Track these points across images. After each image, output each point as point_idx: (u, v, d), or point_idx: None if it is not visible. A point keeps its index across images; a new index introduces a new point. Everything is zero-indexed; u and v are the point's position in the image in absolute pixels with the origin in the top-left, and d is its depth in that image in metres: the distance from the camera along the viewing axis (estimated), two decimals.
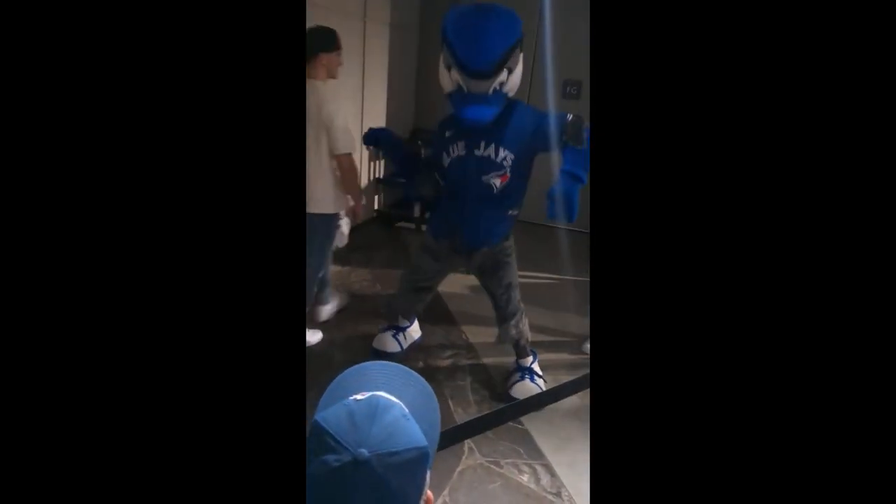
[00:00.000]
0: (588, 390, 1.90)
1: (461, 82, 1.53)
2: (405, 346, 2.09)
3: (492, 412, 1.20)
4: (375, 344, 2.05)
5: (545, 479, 1.52)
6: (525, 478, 1.52)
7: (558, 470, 1.56)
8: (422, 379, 0.57)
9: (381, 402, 0.49)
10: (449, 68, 1.56)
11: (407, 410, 0.52)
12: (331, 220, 1.93)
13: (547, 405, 1.80)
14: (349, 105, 3.03)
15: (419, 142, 3.50)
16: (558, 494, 1.47)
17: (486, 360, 2.10)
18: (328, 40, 1.78)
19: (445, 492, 1.44)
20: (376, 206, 3.67)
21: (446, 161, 1.70)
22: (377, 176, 3.60)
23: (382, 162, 3.60)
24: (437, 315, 2.42)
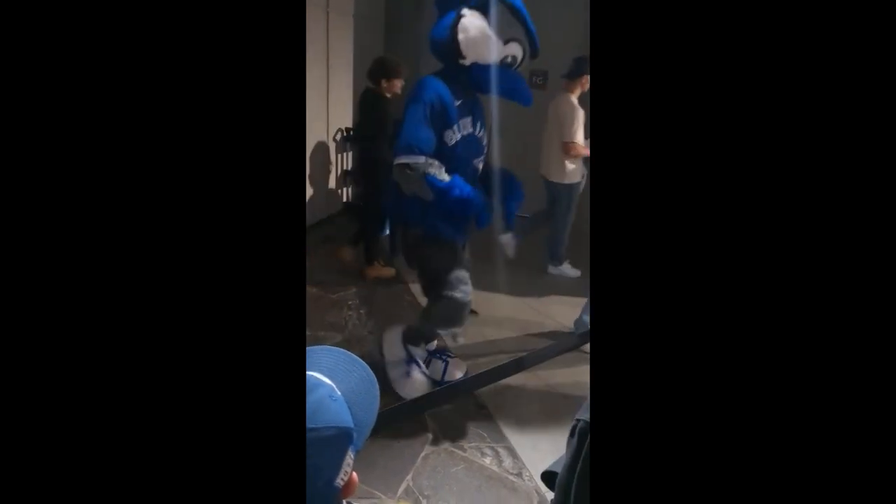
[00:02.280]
0: (539, 369, 1.95)
1: (517, 57, 1.47)
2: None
3: (433, 392, 1.24)
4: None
5: (507, 461, 1.56)
6: (488, 460, 1.56)
7: (520, 452, 1.60)
8: (367, 368, 0.59)
9: (310, 381, 0.51)
10: (507, 41, 1.44)
11: (339, 393, 0.54)
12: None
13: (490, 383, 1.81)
14: (313, 98, 3.01)
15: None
16: (519, 475, 1.52)
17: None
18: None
19: (409, 476, 1.47)
20: (344, 199, 3.66)
21: (452, 139, 1.48)
22: (345, 168, 3.59)
23: (349, 154, 3.59)
24: (406, 305, 2.45)
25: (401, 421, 1.59)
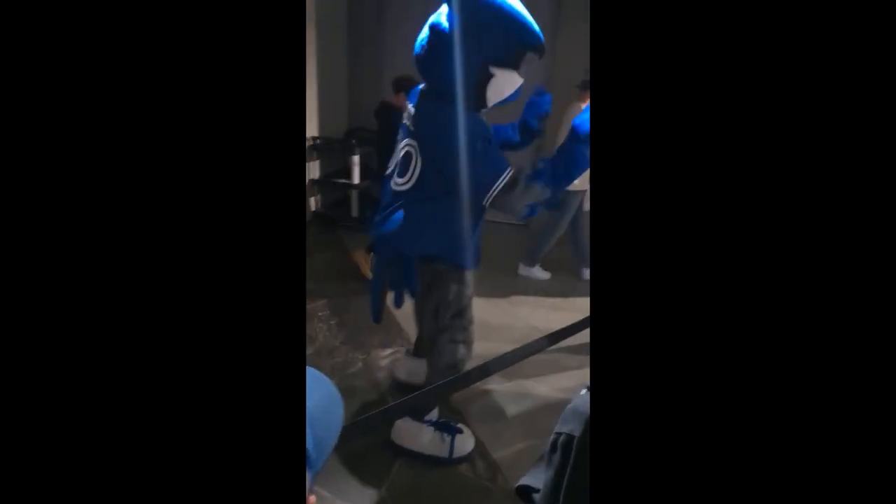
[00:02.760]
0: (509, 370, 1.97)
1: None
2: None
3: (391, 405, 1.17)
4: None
5: (481, 466, 1.57)
6: (462, 466, 1.57)
7: (494, 455, 1.61)
8: (330, 384, 0.58)
9: None
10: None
11: None
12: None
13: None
14: None
15: (353, 141, 3.49)
16: (493, 479, 1.53)
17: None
18: None
19: (383, 488, 1.46)
20: (313, 208, 3.62)
21: None
22: (312, 177, 3.55)
23: (318, 162, 3.56)
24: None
25: (375, 432, 1.58)
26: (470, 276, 1.51)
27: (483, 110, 1.38)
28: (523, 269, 2.97)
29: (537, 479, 0.90)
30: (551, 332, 1.45)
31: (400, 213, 1.40)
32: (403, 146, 1.41)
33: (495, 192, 1.31)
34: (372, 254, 1.58)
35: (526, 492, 0.89)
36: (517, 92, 1.38)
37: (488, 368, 1.16)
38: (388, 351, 2.15)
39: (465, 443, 1.60)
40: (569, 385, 1.97)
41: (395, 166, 1.45)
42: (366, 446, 1.58)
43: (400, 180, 1.41)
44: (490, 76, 1.31)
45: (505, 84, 1.33)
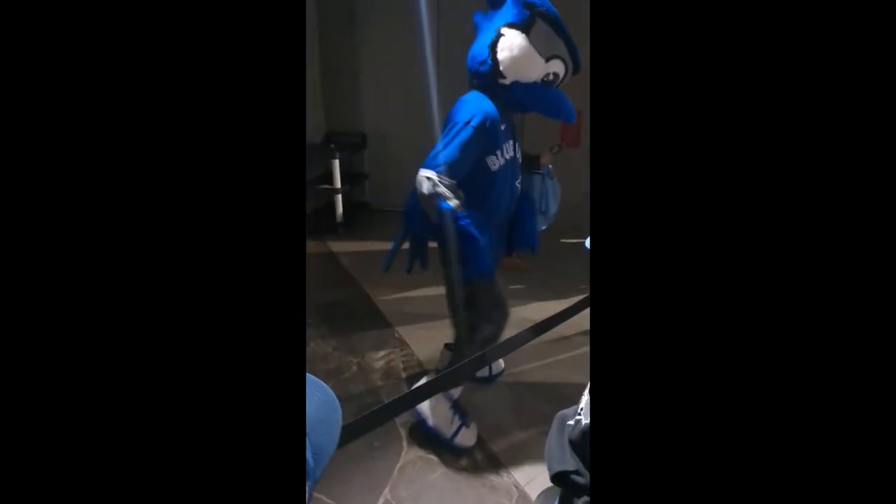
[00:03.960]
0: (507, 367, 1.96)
1: (559, 74, 1.46)
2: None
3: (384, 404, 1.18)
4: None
5: (484, 460, 1.57)
6: (464, 462, 1.56)
7: (495, 448, 1.61)
8: (327, 390, 0.57)
9: None
10: (549, 58, 1.42)
11: None
12: None
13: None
14: None
15: (332, 146, 3.46)
16: (497, 472, 1.52)
17: (422, 358, 2.11)
18: None
19: (386, 490, 1.45)
20: None
21: (495, 165, 1.46)
22: None
23: None
24: (370, 316, 2.42)
25: (372, 434, 1.57)
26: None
27: (502, 81, 1.42)
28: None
29: (566, 463, 0.89)
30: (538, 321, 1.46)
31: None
32: None
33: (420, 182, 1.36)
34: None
35: (564, 477, 0.89)
36: (569, 113, 1.49)
37: (484, 360, 1.16)
38: (382, 353, 2.13)
39: (467, 437, 1.62)
40: (561, 372, 1.97)
41: None
42: (366, 449, 1.57)
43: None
44: (500, 36, 1.38)
45: (514, 43, 1.38)
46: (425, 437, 1.63)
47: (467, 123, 1.35)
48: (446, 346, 1.90)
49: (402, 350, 2.16)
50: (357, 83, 3.74)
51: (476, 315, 1.55)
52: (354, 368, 2.04)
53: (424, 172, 1.36)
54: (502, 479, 1.50)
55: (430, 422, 1.60)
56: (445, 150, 1.36)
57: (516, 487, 1.47)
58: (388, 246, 1.60)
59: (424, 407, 1.61)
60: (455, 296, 1.56)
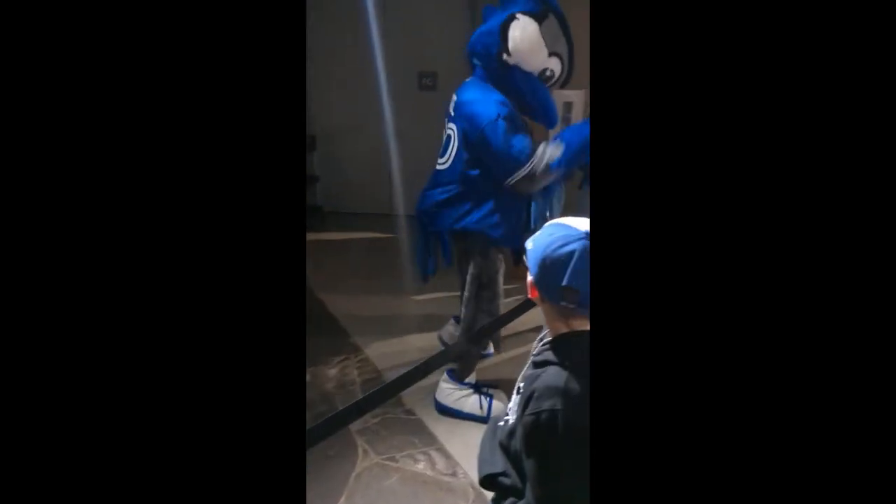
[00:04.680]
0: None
1: (554, 73, 1.51)
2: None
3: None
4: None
5: (440, 463, 1.58)
6: (421, 465, 1.56)
7: (452, 451, 1.62)
8: None
9: None
10: (551, 53, 1.48)
11: None
12: None
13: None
14: None
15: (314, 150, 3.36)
16: (454, 474, 1.54)
17: (377, 364, 2.10)
18: None
19: (342, 500, 1.43)
20: None
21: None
22: None
23: None
24: (321, 320, 2.37)
25: (327, 441, 1.54)
26: (496, 251, 1.60)
27: (506, 58, 1.45)
28: None
29: (495, 465, 0.90)
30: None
31: (436, 190, 1.57)
32: (447, 130, 1.58)
33: (517, 179, 1.42)
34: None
35: (492, 480, 0.89)
36: (551, 118, 1.56)
37: (431, 364, 1.17)
38: (338, 359, 2.10)
39: (499, 407, 1.72)
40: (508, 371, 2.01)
41: (441, 148, 1.61)
42: (323, 456, 1.54)
43: (441, 160, 1.59)
44: (514, 18, 1.44)
45: (526, 27, 1.43)
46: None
47: (494, 118, 1.41)
48: (455, 318, 1.94)
49: (356, 356, 2.13)
50: (346, 84, 3.64)
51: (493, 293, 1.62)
52: (308, 377, 2.00)
53: (516, 181, 1.41)
54: (459, 481, 1.51)
55: (465, 410, 1.73)
56: (504, 153, 1.40)
57: (473, 488, 1.48)
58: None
59: (452, 402, 1.73)
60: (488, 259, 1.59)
